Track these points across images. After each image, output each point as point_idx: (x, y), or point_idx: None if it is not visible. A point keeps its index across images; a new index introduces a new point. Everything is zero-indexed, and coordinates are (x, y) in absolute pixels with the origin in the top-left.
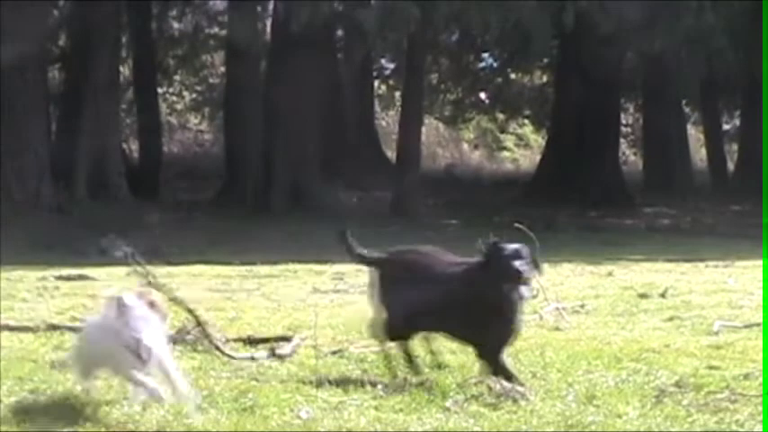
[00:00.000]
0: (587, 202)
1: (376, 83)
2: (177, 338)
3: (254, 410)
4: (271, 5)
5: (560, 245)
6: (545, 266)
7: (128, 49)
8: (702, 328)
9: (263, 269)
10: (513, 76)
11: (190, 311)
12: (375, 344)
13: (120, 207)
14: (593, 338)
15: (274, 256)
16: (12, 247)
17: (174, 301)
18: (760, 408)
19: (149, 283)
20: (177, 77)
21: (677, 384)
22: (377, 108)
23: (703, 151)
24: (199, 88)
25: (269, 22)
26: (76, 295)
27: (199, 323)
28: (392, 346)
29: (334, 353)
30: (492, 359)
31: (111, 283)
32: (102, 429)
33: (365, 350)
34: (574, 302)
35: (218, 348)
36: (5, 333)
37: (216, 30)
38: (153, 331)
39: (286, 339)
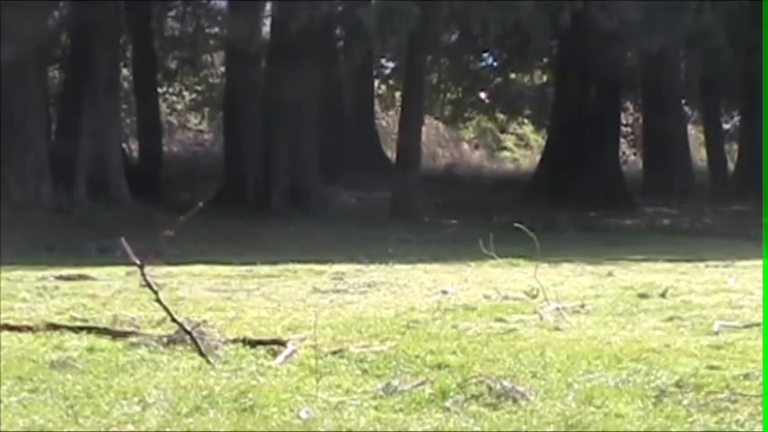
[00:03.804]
0: (587, 202)
1: (376, 83)
2: (177, 338)
3: (254, 410)
4: (270, 5)
5: (560, 245)
6: (545, 266)
7: (128, 49)
8: (702, 328)
9: (263, 269)
10: (513, 76)
11: (169, 313)
12: (375, 344)
13: (120, 207)
14: (593, 338)
15: (274, 256)
16: (12, 247)
17: (159, 302)
18: (760, 408)
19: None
20: (177, 77)
21: (677, 384)
22: (377, 108)
23: (703, 151)
24: (199, 88)
25: (269, 22)
26: (76, 295)
27: (183, 328)
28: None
29: (334, 353)
30: None
31: (111, 282)
32: (102, 429)
33: (365, 350)
34: (574, 302)
35: (202, 355)
36: (5, 333)
37: (216, 30)
38: None
39: (281, 343)
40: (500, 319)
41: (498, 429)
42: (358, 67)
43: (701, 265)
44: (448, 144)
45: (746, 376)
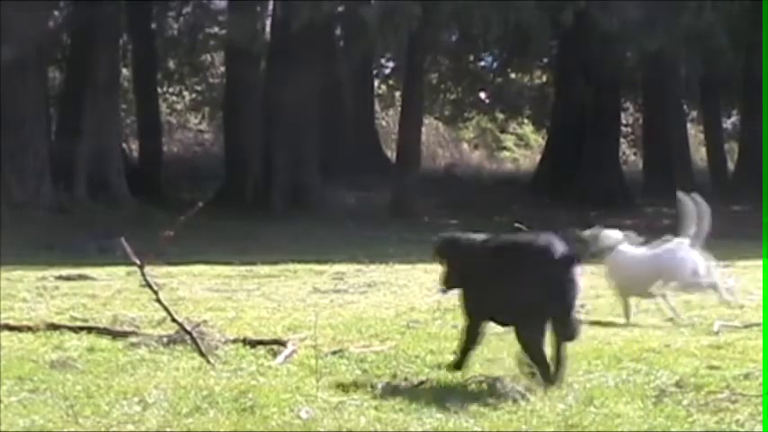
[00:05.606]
0: (587, 201)
1: (376, 83)
2: (177, 338)
3: (254, 410)
4: (271, 5)
5: None
6: None
7: (128, 49)
8: (702, 328)
9: (263, 269)
10: (513, 75)
11: (169, 313)
12: (375, 344)
13: (120, 207)
14: (593, 338)
15: (274, 256)
16: (12, 247)
17: (159, 302)
18: (760, 408)
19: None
20: (177, 77)
21: (677, 384)
22: (377, 108)
23: (703, 151)
24: (199, 88)
25: (269, 22)
26: (76, 295)
27: (183, 328)
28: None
29: (334, 353)
30: None
31: (112, 282)
32: (102, 429)
33: (365, 350)
34: None
35: (202, 355)
36: (5, 333)
37: (216, 30)
38: None
39: (281, 343)
40: None
41: (498, 429)
42: (358, 67)
43: None
44: (448, 144)
45: (746, 376)
